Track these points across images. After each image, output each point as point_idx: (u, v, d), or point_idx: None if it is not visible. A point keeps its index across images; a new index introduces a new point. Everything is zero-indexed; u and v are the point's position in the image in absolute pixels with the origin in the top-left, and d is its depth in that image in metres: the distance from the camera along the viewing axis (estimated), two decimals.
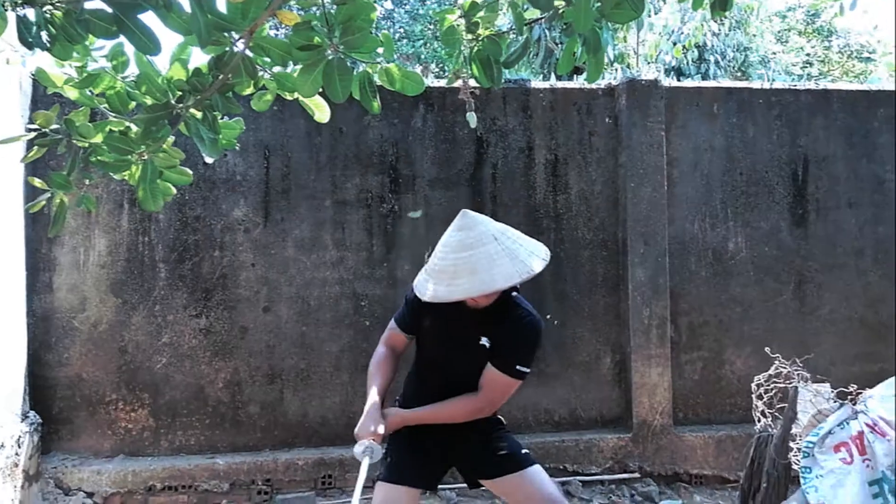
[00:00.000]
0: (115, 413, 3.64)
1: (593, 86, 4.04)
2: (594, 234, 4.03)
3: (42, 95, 3.42)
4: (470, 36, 2.16)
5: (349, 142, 3.83)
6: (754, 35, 9.93)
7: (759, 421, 3.03)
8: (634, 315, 3.94)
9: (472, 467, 2.33)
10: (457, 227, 2.12)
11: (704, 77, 8.32)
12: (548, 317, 3.95)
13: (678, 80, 6.48)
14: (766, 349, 3.33)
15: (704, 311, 4.08)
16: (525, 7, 2.21)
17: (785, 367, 3.05)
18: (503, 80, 3.98)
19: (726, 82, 4.37)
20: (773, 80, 4.61)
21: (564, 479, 3.79)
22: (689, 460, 3.94)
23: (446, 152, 3.91)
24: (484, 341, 2.17)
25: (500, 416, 2.39)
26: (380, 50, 2.08)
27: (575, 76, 5.74)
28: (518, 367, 2.14)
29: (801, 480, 2.47)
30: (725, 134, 4.11)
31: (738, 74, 9.02)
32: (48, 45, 1.49)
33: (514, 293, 2.27)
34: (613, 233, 4.04)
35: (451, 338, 2.25)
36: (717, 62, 8.36)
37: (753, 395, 3.07)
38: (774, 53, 12.27)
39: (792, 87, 4.22)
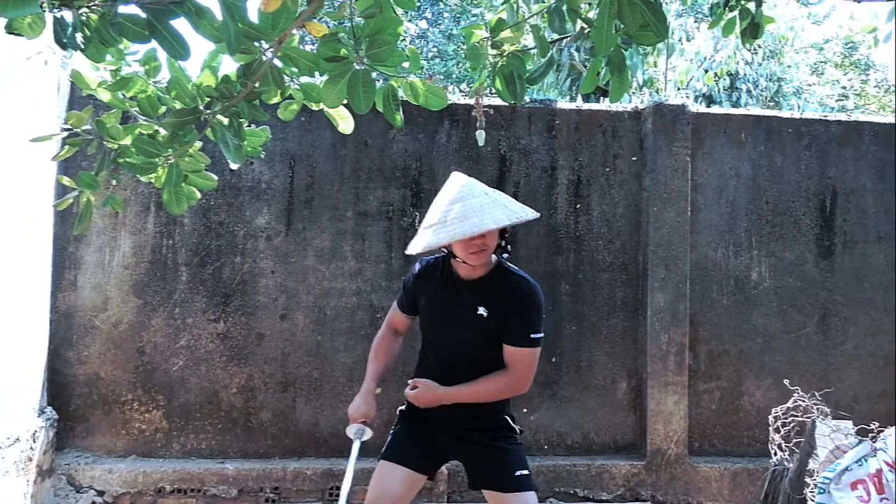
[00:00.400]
0: (130, 413, 3.68)
1: (619, 108, 4.04)
2: (614, 256, 4.00)
3: (79, 98, 3.51)
4: (495, 51, 2.18)
5: (373, 155, 3.87)
6: (789, 66, 9.86)
7: (775, 454, 2.97)
8: (652, 341, 3.89)
9: (470, 469, 2.33)
10: (448, 186, 2.21)
11: (735, 106, 8.27)
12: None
13: (708, 107, 6.44)
14: (786, 381, 3.28)
15: (725, 340, 4.02)
16: (547, 29, 2.23)
17: (804, 401, 3.00)
18: (529, 100, 4.01)
19: (755, 110, 4.34)
20: (804, 109, 4.56)
21: (574, 503, 3.73)
22: (703, 492, 3.86)
23: (469, 169, 3.92)
24: (481, 311, 2.17)
25: (513, 424, 2.33)
26: (405, 64, 2.11)
27: (602, 99, 5.74)
28: (531, 335, 2.17)
29: None
30: (752, 162, 4.08)
31: (771, 104, 8.95)
32: (82, 46, 1.54)
33: (506, 259, 2.29)
34: (634, 256, 4.01)
35: (448, 313, 2.27)
36: (748, 91, 8.30)
37: (770, 428, 3.01)
38: (810, 85, 12.16)
39: (822, 118, 4.17)
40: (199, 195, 2.39)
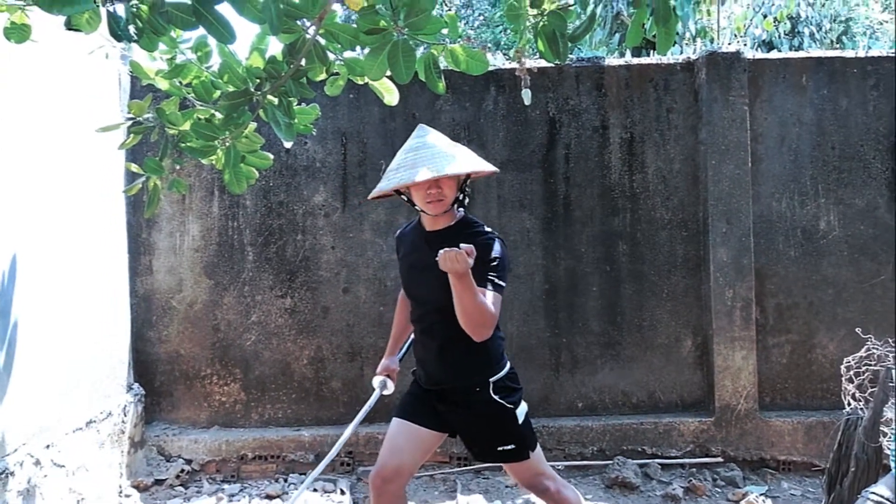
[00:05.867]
0: (210, 387, 3.89)
1: (671, 61, 3.94)
2: (673, 213, 3.94)
3: (139, 90, 3.68)
4: (534, 11, 2.16)
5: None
6: (857, 4, 9.26)
7: (848, 404, 2.90)
8: (716, 297, 3.82)
9: (464, 440, 2.37)
10: (414, 136, 2.30)
11: (798, 51, 7.86)
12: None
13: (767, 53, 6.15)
14: (857, 330, 3.17)
15: (793, 292, 3.91)
16: None
17: (878, 349, 2.91)
18: (576, 59, 3.95)
19: (816, 52, 4.13)
20: (869, 47, 4.33)
21: (643, 461, 3.74)
22: (776, 446, 3.80)
23: (518, 134, 3.92)
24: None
25: (504, 402, 2.25)
26: (444, 31, 2.13)
27: (653, 52, 5.59)
28: (491, 277, 2.12)
29: (892, 464, 2.35)
30: (815, 107, 3.91)
31: (837, 47, 8.46)
32: (136, 37, 1.63)
33: (468, 214, 2.34)
34: (693, 212, 3.94)
35: (414, 266, 2.34)
36: (811, 34, 7.87)
37: (843, 378, 2.94)
38: (881, 23, 11.41)
39: (890, 54, 3.95)
40: (257, 175, 2.49)
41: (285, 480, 3.66)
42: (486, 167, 2.29)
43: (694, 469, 3.73)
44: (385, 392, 2.62)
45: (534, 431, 2.36)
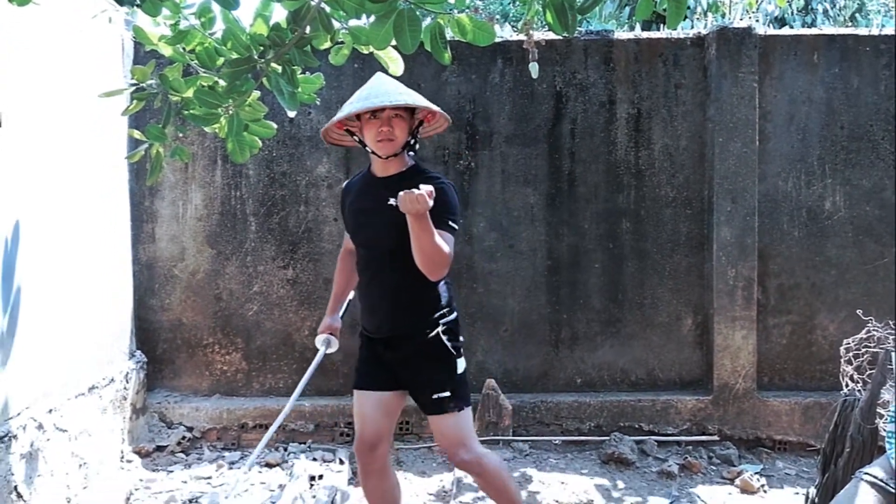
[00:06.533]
0: (212, 356, 3.92)
1: (681, 35, 3.88)
2: (678, 191, 3.91)
3: (142, 56, 3.64)
4: None
5: (426, 98, 3.85)
6: None
7: (846, 386, 2.90)
8: (719, 276, 3.82)
9: (413, 396, 2.39)
10: (372, 79, 2.38)
11: (811, 28, 7.74)
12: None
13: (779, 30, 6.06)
14: (858, 312, 3.17)
15: (796, 272, 3.91)
16: None
17: (878, 331, 2.91)
18: (584, 32, 3.90)
19: (828, 29, 4.08)
20: (884, 25, 4.26)
21: (640, 438, 3.77)
22: (772, 426, 3.83)
23: (524, 108, 3.88)
24: (392, 201, 2.13)
25: (449, 345, 2.32)
26: (451, 1, 2.10)
27: (663, 27, 5.51)
28: (446, 220, 2.19)
29: (887, 446, 2.36)
30: (826, 85, 3.86)
31: (850, 25, 8.34)
32: (139, 2, 1.60)
33: (419, 162, 2.39)
34: (699, 190, 3.91)
35: (364, 210, 2.35)
36: (825, 11, 7.74)
37: (842, 359, 2.94)
38: None
39: None
40: (260, 144, 2.48)
41: (285, 449, 3.70)
42: (441, 112, 2.37)
43: (690, 447, 3.75)
44: (329, 350, 2.62)
45: (469, 393, 2.36)
